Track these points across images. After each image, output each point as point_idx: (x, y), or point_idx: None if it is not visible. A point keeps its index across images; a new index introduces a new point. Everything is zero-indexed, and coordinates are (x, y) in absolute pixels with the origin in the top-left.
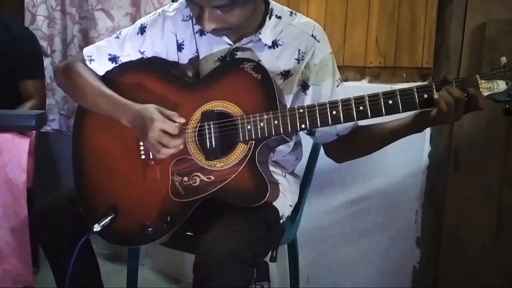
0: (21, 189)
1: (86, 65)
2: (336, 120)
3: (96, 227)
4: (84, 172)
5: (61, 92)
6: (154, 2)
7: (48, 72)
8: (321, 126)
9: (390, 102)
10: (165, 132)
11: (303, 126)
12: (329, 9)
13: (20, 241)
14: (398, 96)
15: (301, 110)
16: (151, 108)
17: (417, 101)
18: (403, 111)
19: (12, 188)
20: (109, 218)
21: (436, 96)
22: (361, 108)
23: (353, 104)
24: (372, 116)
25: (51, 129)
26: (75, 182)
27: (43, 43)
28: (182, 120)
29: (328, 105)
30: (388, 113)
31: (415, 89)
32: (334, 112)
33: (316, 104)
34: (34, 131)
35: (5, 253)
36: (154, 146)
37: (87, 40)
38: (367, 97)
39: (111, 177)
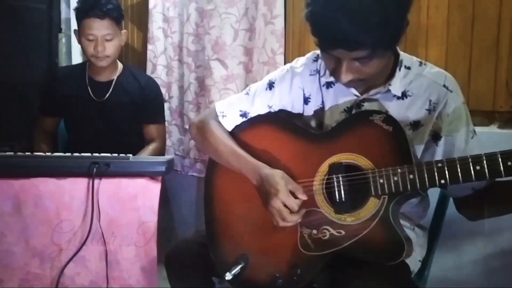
0: (153, 232)
1: (218, 121)
2: (480, 177)
3: (228, 276)
4: (215, 220)
5: (177, 134)
6: (267, 51)
7: (166, 116)
8: (463, 182)
9: None
10: (286, 206)
11: (442, 181)
12: (450, 52)
13: (149, 280)
14: None
15: (439, 164)
16: (277, 177)
17: None
18: None
19: (144, 231)
20: (240, 267)
21: None
22: (509, 163)
23: (500, 158)
24: None
25: None
26: (206, 229)
27: (162, 90)
28: (304, 197)
29: (470, 159)
30: None
31: None
32: (477, 167)
33: (456, 158)
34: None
35: None
36: (274, 215)
37: (202, 87)
38: None
39: (242, 227)
